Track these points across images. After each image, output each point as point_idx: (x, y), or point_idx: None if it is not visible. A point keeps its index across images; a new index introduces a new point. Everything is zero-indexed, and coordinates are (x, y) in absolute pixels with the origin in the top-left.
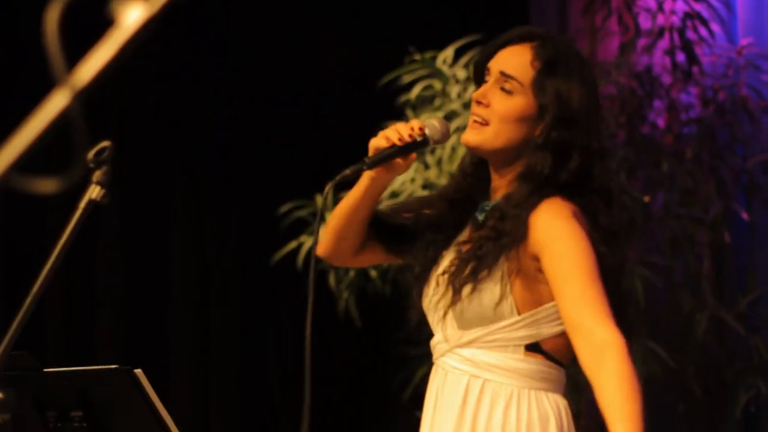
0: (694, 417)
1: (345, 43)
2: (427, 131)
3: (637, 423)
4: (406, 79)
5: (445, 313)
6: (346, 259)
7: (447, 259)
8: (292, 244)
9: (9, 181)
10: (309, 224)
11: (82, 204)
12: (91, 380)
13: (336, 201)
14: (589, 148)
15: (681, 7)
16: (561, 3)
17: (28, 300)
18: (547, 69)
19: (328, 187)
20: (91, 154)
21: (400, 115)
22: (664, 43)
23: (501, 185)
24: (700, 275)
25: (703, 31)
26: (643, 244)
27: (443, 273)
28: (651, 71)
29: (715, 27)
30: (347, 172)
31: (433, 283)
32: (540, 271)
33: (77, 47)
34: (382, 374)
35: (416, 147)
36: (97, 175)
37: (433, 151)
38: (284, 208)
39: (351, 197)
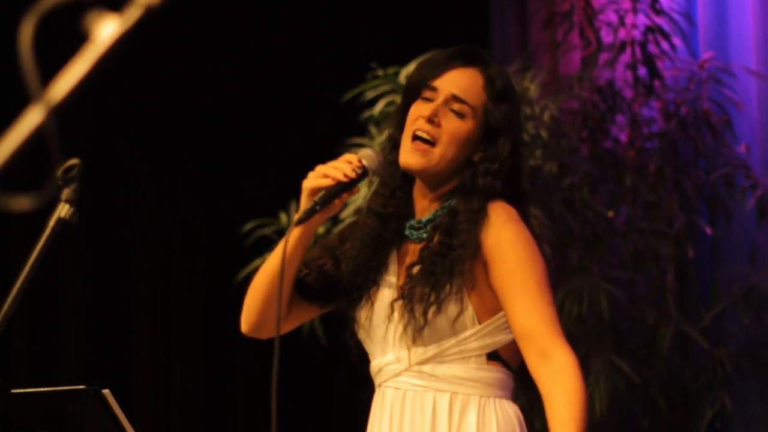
0: (658, 431)
1: (307, 59)
2: (365, 162)
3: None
4: (369, 95)
5: (399, 335)
6: (272, 329)
7: (390, 283)
8: (257, 262)
9: None
10: (273, 242)
11: (51, 222)
12: (59, 401)
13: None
14: (524, 168)
15: (642, 21)
16: (521, 17)
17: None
18: (499, 95)
19: (289, 235)
20: (59, 172)
21: (363, 132)
22: (625, 57)
23: (428, 201)
24: (664, 289)
25: (664, 45)
26: (606, 259)
27: (398, 298)
28: (613, 85)
29: (677, 41)
30: (302, 217)
31: (379, 309)
32: (488, 279)
33: (51, 62)
34: (349, 392)
35: (358, 181)
36: (66, 192)
37: None
38: (248, 226)
39: (278, 255)
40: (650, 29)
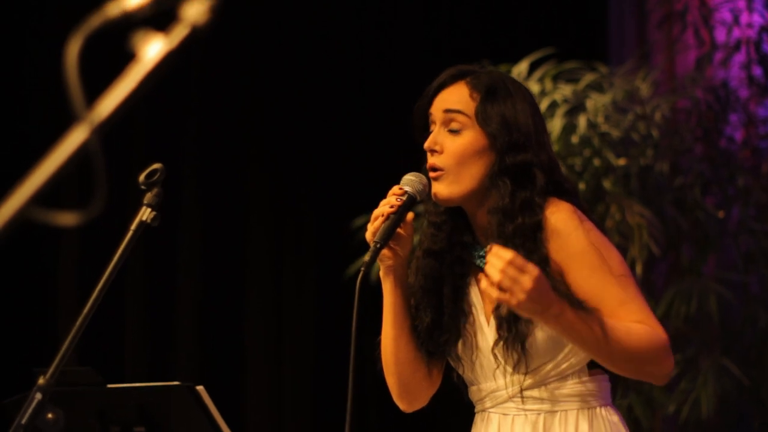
0: None
1: (420, 55)
2: (406, 188)
3: (618, 345)
4: None
5: (502, 363)
6: (424, 387)
7: (479, 313)
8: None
9: (29, 213)
10: None
11: (133, 226)
12: (154, 396)
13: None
14: (546, 161)
15: (758, 20)
16: (640, 15)
17: (80, 320)
18: (487, 97)
19: (360, 279)
20: (142, 177)
21: None
22: (740, 57)
23: (488, 222)
24: None
25: None
26: (717, 260)
27: (498, 337)
28: (727, 85)
29: None
30: (366, 259)
31: (476, 339)
32: (565, 283)
33: (97, 81)
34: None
35: (407, 207)
36: (148, 197)
37: None
38: (358, 222)
39: (387, 321)
40: (765, 28)
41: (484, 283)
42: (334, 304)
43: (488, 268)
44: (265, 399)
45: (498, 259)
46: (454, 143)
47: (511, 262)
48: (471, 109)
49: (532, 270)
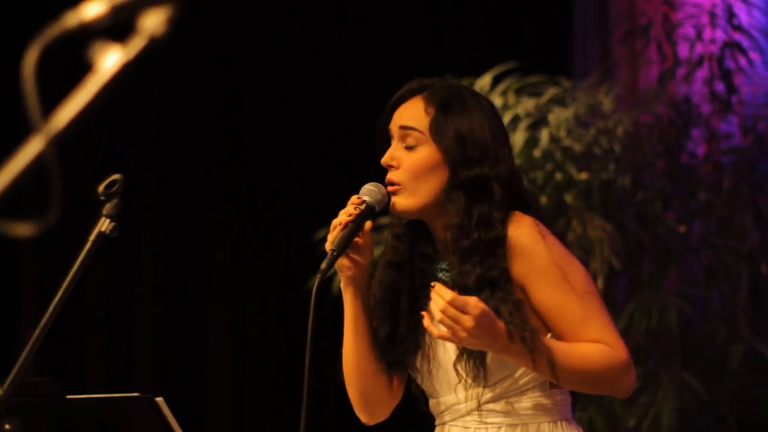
0: None
1: (384, 67)
2: (366, 198)
3: (570, 370)
4: None
5: (463, 377)
6: (386, 399)
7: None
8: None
9: None
10: None
11: (92, 236)
12: (113, 408)
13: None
14: (506, 174)
15: (720, 36)
16: (603, 29)
17: (38, 330)
18: (441, 111)
19: (315, 287)
20: (101, 187)
21: None
22: (703, 72)
23: (446, 236)
24: (736, 306)
25: (742, 61)
26: (678, 275)
27: (460, 352)
28: (689, 100)
29: (755, 56)
30: (322, 267)
31: (435, 352)
32: (528, 301)
33: (54, 91)
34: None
35: (365, 217)
36: (107, 207)
37: None
38: (320, 234)
39: (348, 324)
40: (728, 44)
41: (426, 321)
42: (297, 316)
43: (431, 306)
44: (226, 411)
45: (440, 298)
46: (410, 159)
47: (451, 303)
48: (425, 124)
49: (473, 309)
